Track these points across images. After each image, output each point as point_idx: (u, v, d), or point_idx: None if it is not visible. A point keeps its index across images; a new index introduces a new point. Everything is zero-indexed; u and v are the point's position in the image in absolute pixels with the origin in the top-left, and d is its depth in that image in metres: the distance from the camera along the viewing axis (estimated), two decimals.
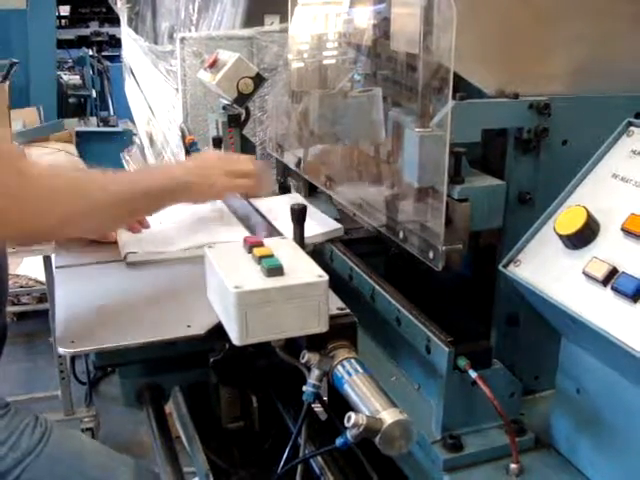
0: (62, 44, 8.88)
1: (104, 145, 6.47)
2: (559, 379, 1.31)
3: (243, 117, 2.25)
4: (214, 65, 2.22)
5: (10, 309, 4.68)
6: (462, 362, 1.28)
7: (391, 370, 1.57)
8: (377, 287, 1.54)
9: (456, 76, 1.23)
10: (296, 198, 2.06)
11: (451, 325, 1.36)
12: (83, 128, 7.21)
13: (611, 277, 1.08)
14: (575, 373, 1.26)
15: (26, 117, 6.06)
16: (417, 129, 1.30)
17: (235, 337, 1.13)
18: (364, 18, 1.71)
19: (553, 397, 1.36)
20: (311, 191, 2.15)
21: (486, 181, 1.36)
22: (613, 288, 1.07)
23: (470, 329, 1.48)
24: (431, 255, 1.32)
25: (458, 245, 1.30)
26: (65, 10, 11.85)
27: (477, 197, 1.31)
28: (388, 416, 1.07)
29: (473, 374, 1.26)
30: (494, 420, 1.33)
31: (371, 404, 1.10)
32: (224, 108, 2.29)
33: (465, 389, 1.31)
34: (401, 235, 1.44)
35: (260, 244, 1.26)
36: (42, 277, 4.02)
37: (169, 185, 1.59)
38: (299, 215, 1.35)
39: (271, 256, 1.20)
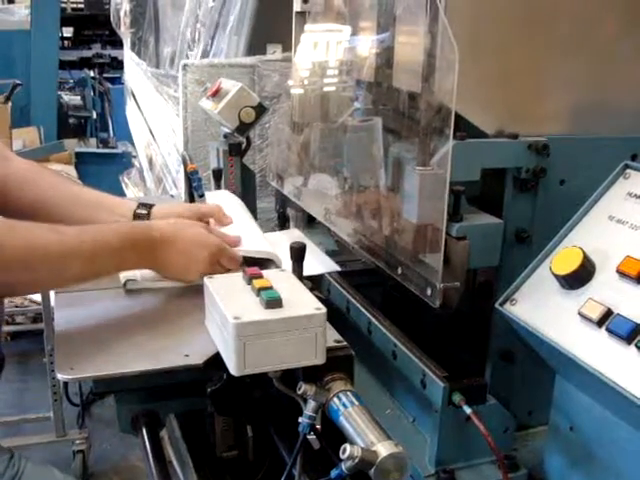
0: (64, 65, 8.91)
1: (103, 167, 6.49)
2: (553, 416, 1.32)
3: (244, 146, 2.27)
4: (216, 94, 2.23)
5: (4, 329, 4.64)
6: (457, 398, 1.29)
7: (386, 403, 1.58)
8: (374, 320, 1.55)
9: (456, 115, 1.25)
10: (294, 233, 2.07)
11: (446, 358, 1.37)
12: (83, 149, 7.23)
13: (606, 318, 1.09)
14: (569, 410, 1.27)
15: (26, 137, 6.09)
16: (417, 167, 1.32)
17: (233, 367, 1.14)
18: (365, 52, 1.73)
19: (546, 433, 1.37)
20: (310, 222, 2.17)
21: (484, 219, 1.38)
22: (608, 329, 1.09)
23: (465, 363, 1.49)
24: (429, 292, 1.33)
25: (455, 283, 1.31)
26: (68, 32, 11.93)
27: (475, 235, 1.33)
28: (383, 449, 1.08)
29: (468, 410, 1.27)
30: (488, 455, 1.34)
31: (366, 436, 1.11)
32: (225, 136, 2.31)
33: (459, 424, 1.32)
34: (399, 271, 1.45)
35: (259, 276, 1.27)
36: (37, 297, 4.02)
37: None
38: (298, 254, 1.36)
39: (270, 288, 1.22)
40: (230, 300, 1.20)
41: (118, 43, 7.50)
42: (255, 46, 3.43)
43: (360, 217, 1.69)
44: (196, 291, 1.39)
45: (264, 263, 1.61)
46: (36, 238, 1.33)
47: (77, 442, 3.68)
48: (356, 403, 1.18)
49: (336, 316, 1.49)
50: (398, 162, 1.49)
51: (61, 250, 1.35)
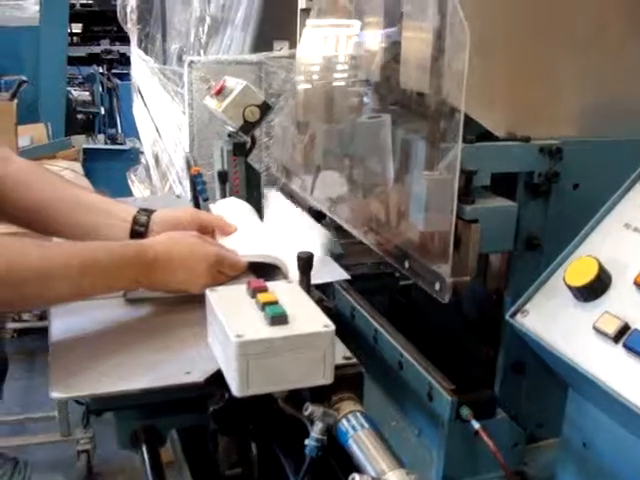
0: (73, 61, 8.88)
1: (111, 163, 6.45)
2: (565, 431, 1.28)
3: (248, 145, 2.23)
4: (221, 92, 2.19)
5: (11, 325, 4.65)
6: (465, 412, 1.25)
7: (392, 414, 1.54)
8: (380, 329, 1.50)
9: (466, 117, 1.20)
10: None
11: (454, 367, 1.33)
12: (90, 145, 7.21)
13: (623, 333, 1.05)
14: (582, 426, 1.23)
15: (34, 133, 6.05)
16: (425, 172, 1.27)
17: (235, 388, 1.08)
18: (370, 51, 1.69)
19: (557, 446, 1.33)
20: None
21: (497, 202, 1.33)
22: (625, 345, 1.04)
23: (473, 373, 1.45)
24: (437, 287, 1.28)
25: (465, 277, 1.26)
26: (77, 27, 11.96)
27: (488, 218, 1.28)
28: (395, 478, 1.02)
29: (476, 425, 1.23)
30: (496, 470, 1.30)
31: (377, 464, 1.05)
32: (229, 135, 2.27)
33: (467, 438, 1.29)
34: (406, 265, 1.40)
35: (264, 289, 1.21)
36: None
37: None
38: (306, 264, 1.31)
39: (275, 303, 1.15)
40: (233, 315, 1.14)
41: (127, 39, 7.46)
42: (262, 43, 3.40)
43: (368, 208, 1.63)
44: (199, 301, 1.32)
45: (270, 271, 1.56)
46: (17, 254, 1.28)
47: (82, 442, 3.65)
48: (366, 426, 1.12)
49: (341, 323, 1.46)
50: (407, 149, 1.43)
51: (44, 268, 1.30)
